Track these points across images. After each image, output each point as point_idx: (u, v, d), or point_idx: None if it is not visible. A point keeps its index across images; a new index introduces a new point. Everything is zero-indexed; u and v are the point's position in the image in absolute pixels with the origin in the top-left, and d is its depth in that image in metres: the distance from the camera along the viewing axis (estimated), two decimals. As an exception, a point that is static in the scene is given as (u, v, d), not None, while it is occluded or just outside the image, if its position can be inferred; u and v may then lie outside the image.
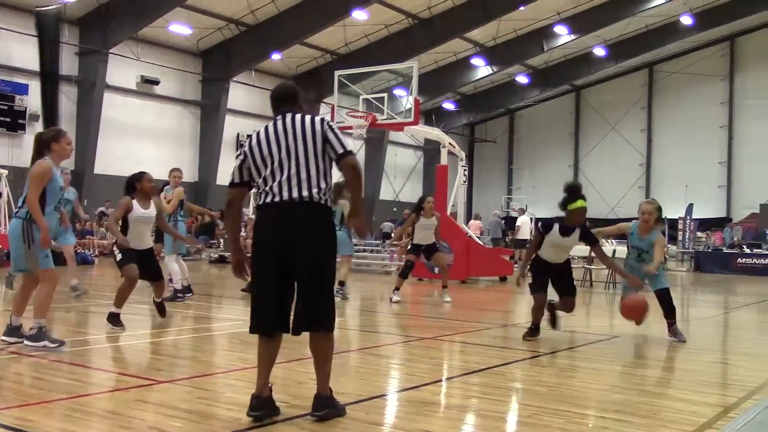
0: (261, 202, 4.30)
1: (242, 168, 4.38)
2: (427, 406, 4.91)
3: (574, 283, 7.86)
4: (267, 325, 4.30)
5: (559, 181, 45.84)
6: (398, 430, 4.35)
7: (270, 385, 4.34)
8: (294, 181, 4.21)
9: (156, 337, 7.74)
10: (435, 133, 19.50)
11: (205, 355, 6.93)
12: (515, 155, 44.40)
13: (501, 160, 44.61)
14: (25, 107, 24.35)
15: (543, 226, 7.45)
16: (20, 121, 24.16)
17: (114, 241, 8.09)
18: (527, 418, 4.69)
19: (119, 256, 7.82)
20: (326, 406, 4.28)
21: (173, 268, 10.68)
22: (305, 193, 4.19)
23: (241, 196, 4.51)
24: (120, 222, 7.89)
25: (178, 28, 27.10)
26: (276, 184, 4.24)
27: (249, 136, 4.54)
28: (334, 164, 4.34)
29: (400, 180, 40.08)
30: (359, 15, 27.59)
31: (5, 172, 19.75)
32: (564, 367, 6.55)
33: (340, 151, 4.27)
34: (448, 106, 39.70)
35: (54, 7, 23.95)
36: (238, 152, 4.46)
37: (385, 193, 38.15)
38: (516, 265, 21.51)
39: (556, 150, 42.19)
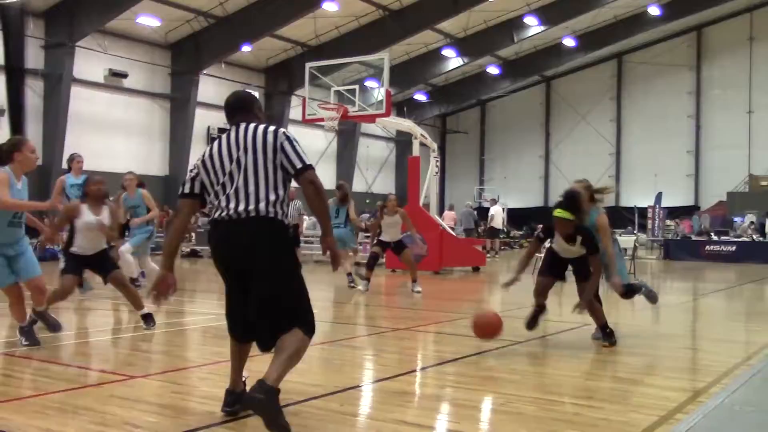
0: (212, 218, 4.14)
1: (194, 180, 4.23)
2: (401, 396, 4.93)
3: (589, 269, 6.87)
4: (236, 333, 4.25)
5: (530, 171, 46.11)
6: (373, 421, 4.37)
7: (244, 379, 4.32)
8: (241, 195, 4.01)
9: (128, 333, 7.68)
10: (407, 124, 19.51)
11: (179, 349, 6.90)
12: (487, 146, 44.55)
13: (473, 151, 44.75)
14: (-10, 101, 23.95)
15: (543, 231, 6.94)
16: (-15, 116, 23.75)
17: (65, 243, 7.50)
18: (501, 406, 4.74)
19: (62, 264, 7.40)
20: (270, 397, 3.78)
21: (129, 259, 10.80)
22: (251, 207, 3.98)
23: (189, 208, 4.30)
24: (67, 227, 7.21)
25: (147, 20, 26.73)
26: (224, 197, 4.06)
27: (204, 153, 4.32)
28: (289, 176, 4.10)
29: (372, 172, 40.05)
30: (330, 6, 27.44)
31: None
32: (537, 356, 6.61)
33: (298, 165, 4.03)
34: (420, 97, 39.70)
35: (18, -1, 23.54)
36: (192, 165, 4.31)
37: (358, 185, 38.09)
38: (488, 255, 21.66)
39: (527, 141, 42.42)
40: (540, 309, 7.00)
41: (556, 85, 41.81)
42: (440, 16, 29.85)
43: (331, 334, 7.85)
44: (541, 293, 6.98)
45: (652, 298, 7.82)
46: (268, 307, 3.99)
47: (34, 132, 24.27)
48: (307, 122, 19.36)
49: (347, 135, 36.14)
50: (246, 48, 29.24)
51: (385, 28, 29.78)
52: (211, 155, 4.16)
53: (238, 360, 4.31)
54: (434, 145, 18.85)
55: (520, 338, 7.16)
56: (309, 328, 4.04)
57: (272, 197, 4.01)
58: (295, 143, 4.08)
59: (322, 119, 18.03)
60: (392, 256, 13.85)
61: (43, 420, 4.16)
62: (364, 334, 8.00)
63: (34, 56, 24.81)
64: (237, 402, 4.22)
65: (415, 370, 6.01)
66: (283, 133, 4.10)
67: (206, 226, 18.62)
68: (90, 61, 26.17)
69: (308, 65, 18.28)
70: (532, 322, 6.98)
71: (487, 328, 6.52)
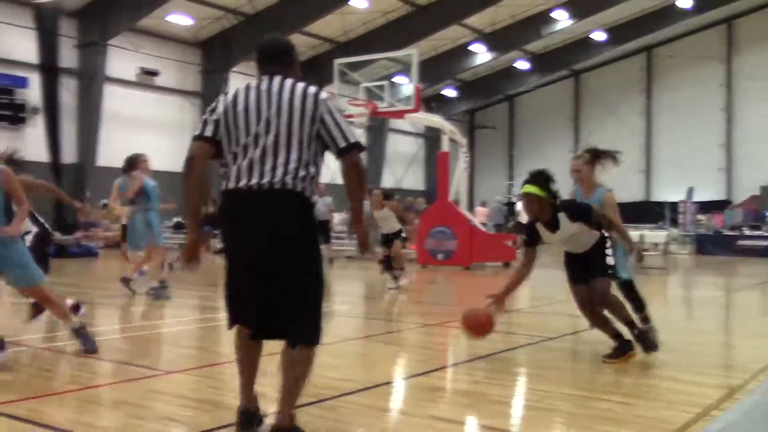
0: (225, 187, 3.54)
1: (217, 123, 3.58)
2: (434, 392, 4.95)
3: (606, 262, 5.85)
4: (247, 322, 3.62)
5: (559, 165, 45.88)
6: (406, 416, 4.40)
7: (256, 394, 3.78)
8: (268, 165, 3.43)
9: (163, 328, 7.79)
10: (436, 120, 19.49)
11: (213, 344, 6.98)
12: (516, 141, 44.34)
13: (502, 146, 44.56)
14: (25, 100, 24.34)
15: (528, 232, 5.88)
16: (20, 115, 24.16)
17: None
18: (535, 403, 4.74)
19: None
20: None
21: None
22: (277, 179, 3.41)
23: (203, 153, 3.61)
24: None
25: (177, 18, 27.03)
26: (246, 162, 3.47)
27: (226, 94, 3.67)
28: (325, 150, 3.59)
29: (401, 168, 40.04)
30: (358, 3, 27.52)
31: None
32: (569, 351, 6.60)
33: (342, 144, 3.48)
34: (449, 92, 39.60)
35: (52, -1, 23.91)
36: (211, 106, 3.66)
37: (387, 181, 38.09)
38: (519, 251, 21.55)
39: (555, 135, 42.12)
40: (617, 335, 5.89)
41: (585, 79, 41.46)
42: (467, 10, 29.77)
43: (363, 329, 7.91)
44: (585, 306, 5.88)
45: (648, 343, 6.06)
46: (285, 299, 3.47)
47: (68, 130, 24.78)
48: (336, 118, 19.42)
49: (376, 131, 36.16)
50: (275, 45, 29.38)
51: (412, 24, 29.77)
52: (235, 103, 3.56)
53: (250, 368, 3.70)
54: (464, 141, 18.80)
55: (553, 334, 7.15)
56: (312, 335, 3.52)
57: (302, 173, 3.46)
58: (337, 115, 3.54)
59: (351, 116, 18.08)
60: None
61: (83, 414, 4.25)
62: (396, 330, 8.03)
63: (67, 55, 25.21)
64: (253, 421, 3.66)
65: (446, 366, 6.02)
66: (325, 101, 3.53)
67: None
68: (122, 59, 26.52)
69: (337, 62, 18.34)
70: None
71: (477, 328, 5.56)
